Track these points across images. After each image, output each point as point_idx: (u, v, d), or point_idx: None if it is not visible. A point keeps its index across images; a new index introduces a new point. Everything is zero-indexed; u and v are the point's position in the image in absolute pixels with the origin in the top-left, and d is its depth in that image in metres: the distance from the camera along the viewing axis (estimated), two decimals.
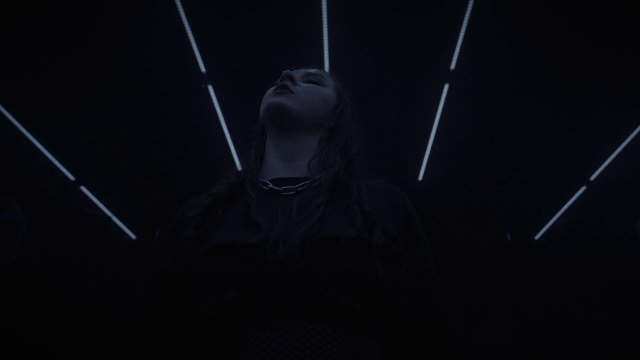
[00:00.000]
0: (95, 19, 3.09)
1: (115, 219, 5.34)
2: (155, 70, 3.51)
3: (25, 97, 3.62)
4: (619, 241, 4.78)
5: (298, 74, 1.09)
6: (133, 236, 5.73)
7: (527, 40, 3.29)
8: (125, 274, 5.17)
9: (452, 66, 3.41)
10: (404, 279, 0.77)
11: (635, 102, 3.74)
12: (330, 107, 1.09)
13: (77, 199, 4.87)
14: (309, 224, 0.75)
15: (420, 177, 4.70)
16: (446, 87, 3.57)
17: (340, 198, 0.89)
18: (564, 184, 5.02)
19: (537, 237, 5.88)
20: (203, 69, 3.42)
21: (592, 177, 4.78)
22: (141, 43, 3.27)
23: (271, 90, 1.03)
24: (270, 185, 0.96)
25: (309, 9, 3.03)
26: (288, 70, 1.04)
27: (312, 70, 1.12)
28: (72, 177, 4.62)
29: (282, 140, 1.03)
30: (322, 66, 3.36)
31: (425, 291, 0.87)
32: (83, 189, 4.82)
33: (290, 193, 0.93)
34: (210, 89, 3.57)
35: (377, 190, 0.98)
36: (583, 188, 4.97)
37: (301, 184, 0.94)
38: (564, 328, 4.94)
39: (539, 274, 5.47)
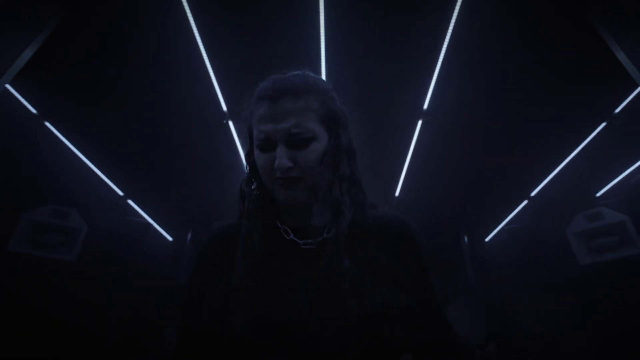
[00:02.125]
0: (141, 68, 2.95)
1: (155, 225, 5.16)
2: (186, 109, 3.34)
3: (83, 131, 3.49)
4: (552, 244, 4.59)
5: (279, 133, 0.72)
6: (170, 238, 5.56)
7: (485, 85, 3.13)
8: (163, 269, 5.05)
9: (425, 106, 3.26)
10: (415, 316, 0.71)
11: (566, 137, 3.63)
12: (327, 155, 0.77)
13: (125, 210, 4.71)
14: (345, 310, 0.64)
15: (397, 193, 4.54)
16: (419, 122, 3.43)
17: (359, 247, 0.73)
18: (511, 198, 4.87)
19: (487, 239, 5.71)
20: (224, 108, 3.26)
21: (533, 193, 4.65)
22: (176, 86, 3.11)
23: (270, 175, 0.74)
24: (292, 236, 0.77)
25: (313, 52, 2.85)
26: (285, 163, 0.71)
27: (293, 128, 0.72)
28: (121, 193, 4.49)
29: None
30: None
31: (435, 320, 0.77)
32: (129, 201, 4.67)
33: (310, 247, 0.75)
34: (231, 124, 3.41)
35: (388, 229, 0.80)
36: (525, 201, 4.83)
37: (320, 238, 0.74)
38: (508, 312, 4.80)
39: (489, 269, 5.34)
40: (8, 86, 2.61)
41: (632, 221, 4.06)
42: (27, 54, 2.00)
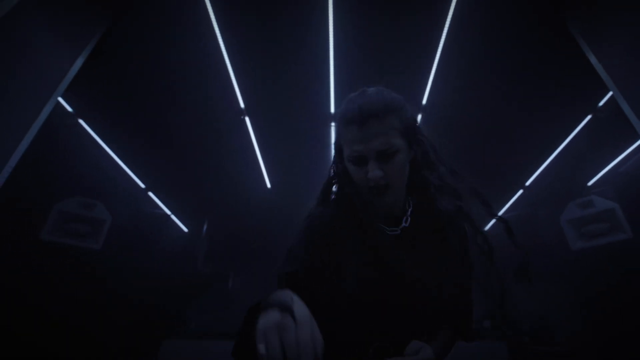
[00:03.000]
0: (165, 69, 3.21)
1: (173, 216, 5.39)
2: (205, 106, 3.59)
3: (111, 128, 3.74)
4: (547, 231, 4.80)
5: (370, 151, 0.88)
6: (185, 229, 5.80)
7: (480, 82, 3.35)
8: (179, 257, 5.32)
9: (424, 101, 3.48)
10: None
11: (556, 129, 3.85)
12: (409, 161, 0.96)
13: (146, 202, 4.94)
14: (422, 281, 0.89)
15: None
16: (419, 117, 3.62)
17: (433, 238, 0.97)
18: (507, 188, 5.06)
19: (485, 228, 5.84)
20: (242, 104, 3.47)
21: (527, 183, 4.83)
22: (197, 85, 3.35)
23: (365, 184, 0.91)
24: (382, 226, 0.96)
25: (321, 63, 3.12)
26: (378, 173, 0.87)
27: (381, 146, 0.87)
28: (142, 185, 4.69)
29: None
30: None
31: (465, 302, 1.03)
32: (150, 194, 4.89)
33: (396, 232, 0.95)
34: (247, 120, 3.62)
35: (450, 223, 1.01)
36: (520, 191, 5.02)
37: (401, 226, 0.95)
38: (506, 295, 4.99)
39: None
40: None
41: (622, 208, 4.29)
42: (77, 65, 2.27)
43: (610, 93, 2.30)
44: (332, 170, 1.06)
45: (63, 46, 2.18)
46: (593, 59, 2.24)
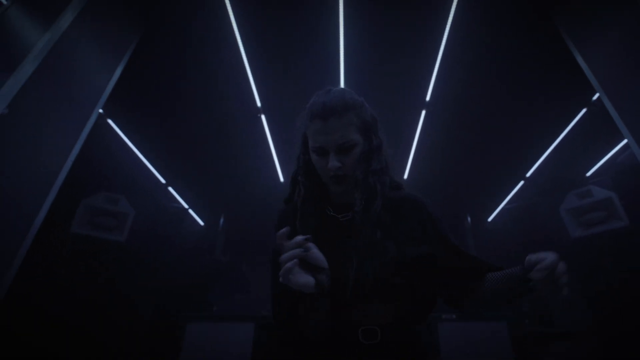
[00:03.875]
0: (186, 70, 3.44)
1: (190, 211, 5.62)
2: (223, 105, 3.80)
3: (136, 127, 3.98)
4: (547, 220, 4.95)
5: (330, 143, 0.97)
6: (201, 223, 6.03)
7: (482, 78, 3.52)
8: (198, 248, 5.58)
9: (427, 97, 3.66)
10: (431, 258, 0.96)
11: (556, 119, 4.02)
12: (364, 154, 1.01)
13: (166, 196, 5.18)
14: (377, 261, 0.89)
15: (406, 176, 4.93)
16: (423, 112, 3.81)
17: (385, 218, 0.97)
18: (508, 180, 5.22)
19: (489, 219, 6.08)
20: (258, 104, 3.67)
21: (528, 174, 4.98)
22: (215, 84, 3.56)
23: (325, 173, 0.99)
24: (332, 212, 1.05)
25: (331, 64, 3.33)
26: (336, 164, 0.96)
27: (340, 139, 0.96)
28: (163, 181, 4.91)
29: None
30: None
31: (451, 249, 1.01)
32: (170, 189, 5.12)
33: (347, 219, 1.01)
34: (263, 117, 3.82)
35: (406, 203, 1.05)
36: (521, 182, 5.16)
37: (352, 212, 0.98)
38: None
39: (491, 245, 5.78)
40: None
41: (618, 197, 4.46)
42: (115, 77, 2.50)
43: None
44: (299, 161, 1.12)
45: (103, 61, 2.41)
46: (580, 59, 2.42)
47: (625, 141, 4.09)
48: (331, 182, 1.01)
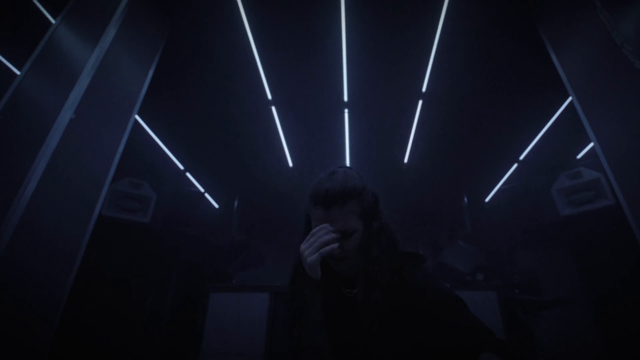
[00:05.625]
0: (202, 64, 3.72)
1: (206, 194, 5.92)
2: (236, 97, 4.07)
3: (156, 117, 4.27)
4: (539, 201, 5.15)
5: (338, 221, 0.99)
6: (216, 206, 6.31)
7: (476, 67, 3.75)
8: (215, 228, 5.87)
9: (424, 88, 3.90)
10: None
11: (547, 108, 4.26)
12: (364, 237, 1.03)
13: (184, 181, 5.48)
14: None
15: (406, 160, 5.17)
16: (420, 102, 4.05)
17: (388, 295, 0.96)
18: (503, 162, 5.46)
19: (486, 200, 6.27)
20: (269, 96, 3.95)
21: (521, 157, 5.20)
22: (229, 78, 3.83)
23: (330, 250, 0.96)
24: (341, 287, 1.06)
25: (335, 57, 3.60)
26: (337, 249, 0.96)
27: (341, 227, 0.98)
28: (181, 167, 5.19)
29: None
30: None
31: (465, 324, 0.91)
32: (188, 174, 5.41)
33: (352, 293, 1.03)
34: (273, 109, 4.10)
35: (411, 292, 0.98)
36: (515, 165, 5.39)
37: (356, 290, 1.00)
38: (502, 256, 5.54)
39: (487, 224, 6.06)
40: None
41: (606, 178, 4.72)
42: (147, 82, 2.81)
43: None
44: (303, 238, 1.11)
45: (139, 68, 2.72)
46: (555, 61, 2.67)
47: None
48: (332, 261, 1.05)
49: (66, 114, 1.87)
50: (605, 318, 4.85)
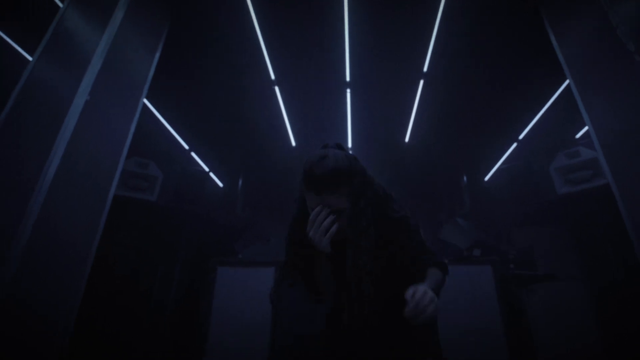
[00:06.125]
0: (207, 45, 3.76)
1: (211, 174, 5.98)
2: (240, 77, 4.13)
3: (161, 97, 4.32)
4: (538, 180, 5.24)
5: (330, 204, 1.11)
6: (221, 184, 6.37)
7: (477, 47, 3.79)
8: (220, 206, 5.94)
9: (425, 68, 3.95)
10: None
11: (546, 87, 4.30)
12: (351, 214, 1.14)
13: (189, 160, 5.59)
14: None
15: (407, 140, 5.24)
16: (421, 82, 4.11)
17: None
18: (503, 142, 5.52)
19: (486, 178, 6.32)
20: (272, 76, 4.00)
21: (520, 137, 5.27)
22: (233, 58, 3.88)
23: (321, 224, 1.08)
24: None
25: (337, 37, 3.64)
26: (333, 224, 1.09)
27: (334, 205, 1.10)
28: (186, 147, 5.30)
29: None
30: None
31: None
32: (193, 154, 5.52)
33: (340, 254, 1.16)
34: (276, 89, 4.16)
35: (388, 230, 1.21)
36: (515, 144, 5.45)
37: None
38: (496, 233, 5.68)
39: (486, 202, 6.16)
40: None
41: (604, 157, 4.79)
42: (154, 64, 2.87)
43: None
44: (297, 211, 1.30)
45: (146, 50, 2.79)
46: (554, 43, 2.71)
47: None
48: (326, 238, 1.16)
49: (81, 97, 1.96)
50: (599, 294, 5.04)
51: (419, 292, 0.96)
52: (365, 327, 1.10)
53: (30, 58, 2.27)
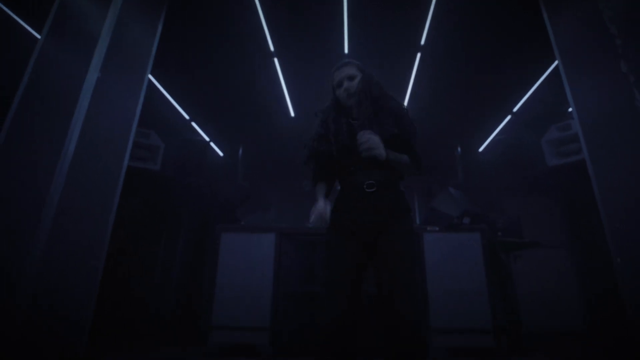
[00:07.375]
0: (207, 18, 3.77)
1: (211, 143, 6.16)
2: (239, 48, 4.14)
3: (160, 65, 4.34)
4: (530, 151, 5.45)
5: (343, 77, 1.69)
6: (221, 154, 6.58)
7: (473, 22, 3.82)
8: (221, 175, 6.22)
9: (422, 41, 3.99)
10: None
11: (541, 62, 4.35)
12: (362, 79, 1.67)
13: (190, 130, 5.68)
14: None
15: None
16: (418, 55, 4.16)
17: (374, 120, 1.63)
18: (497, 114, 5.63)
19: (480, 150, 6.54)
20: (272, 48, 4.03)
21: (515, 109, 5.36)
22: (232, 29, 3.90)
23: (342, 93, 1.69)
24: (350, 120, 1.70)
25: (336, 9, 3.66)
26: (347, 85, 1.67)
27: (348, 73, 1.69)
28: (187, 117, 5.36)
29: None
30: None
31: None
32: (193, 124, 5.59)
33: (358, 123, 1.66)
34: (275, 60, 4.19)
35: (389, 109, 1.67)
36: (509, 116, 5.55)
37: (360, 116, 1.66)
38: (488, 199, 5.89)
39: (481, 173, 6.38)
40: None
41: None
42: (156, 41, 2.91)
43: None
44: (332, 97, 1.79)
45: (148, 26, 2.82)
46: (547, 21, 2.77)
47: None
48: (345, 96, 1.68)
49: (93, 74, 2.06)
50: (582, 260, 5.34)
51: (366, 133, 1.45)
52: (367, 121, 1.58)
53: (38, 36, 2.33)
